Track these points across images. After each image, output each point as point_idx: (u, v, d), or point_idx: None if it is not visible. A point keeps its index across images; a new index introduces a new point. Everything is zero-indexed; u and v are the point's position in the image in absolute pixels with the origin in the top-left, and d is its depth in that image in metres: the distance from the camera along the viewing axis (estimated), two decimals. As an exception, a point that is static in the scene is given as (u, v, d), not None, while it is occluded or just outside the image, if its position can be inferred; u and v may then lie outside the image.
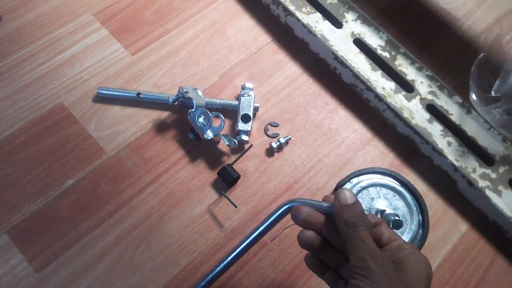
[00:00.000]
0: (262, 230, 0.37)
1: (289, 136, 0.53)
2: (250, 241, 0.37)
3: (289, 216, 0.37)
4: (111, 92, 0.53)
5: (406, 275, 0.31)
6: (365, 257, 0.32)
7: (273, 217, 0.37)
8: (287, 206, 0.37)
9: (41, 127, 0.51)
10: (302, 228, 0.37)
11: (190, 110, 0.50)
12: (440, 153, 0.51)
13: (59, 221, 0.47)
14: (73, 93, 0.54)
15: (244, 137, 0.51)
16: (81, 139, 0.51)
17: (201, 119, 0.50)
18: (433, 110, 0.54)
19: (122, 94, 0.53)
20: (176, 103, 0.51)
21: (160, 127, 0.53)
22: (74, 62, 0.55)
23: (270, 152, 0.53)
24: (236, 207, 0.49)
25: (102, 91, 0.53)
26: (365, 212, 0.35)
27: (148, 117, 0.53)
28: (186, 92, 0.50)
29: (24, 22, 0.57)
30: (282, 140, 0.52)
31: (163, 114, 0.53)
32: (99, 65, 0.55)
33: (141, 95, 0.52)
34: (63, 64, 0.55)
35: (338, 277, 0.37)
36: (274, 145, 0.52)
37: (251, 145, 0.52)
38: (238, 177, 0.50)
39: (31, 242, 0.46)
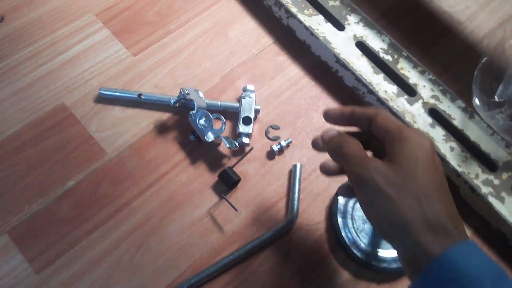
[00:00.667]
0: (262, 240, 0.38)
1: (290, 139, 0.53)
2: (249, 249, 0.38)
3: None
4: (112, 93, 0.53)
5: (405, 172, 0.33)
6: (358, 170, 0.35)
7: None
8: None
9: (43, 128, 0.51)
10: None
11: (191, 112, 0.50)
12: (442, 158, 0.51)
13: (60, 222, 0.47)
14: (75, 93, 0.54)
15: (245, 140, 0.51)
16: (82, 140, 0.51)
17: (202, 121, 0.50)
18: (435, 114, 0.54)
19: (123, 95, 0.53)
20: (177, 105, 0.51)
21: (161, 129, 0.53)
22: (76, 62, 0.55)
23: (271, 155, 0.52)
24: (236, 210, 0.49)
25: (103, 92, 0.52)
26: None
27: (149, 118, 0.53)
28: (188, 93, 0.50)
29: (26, 22, 0.57)
30: (283, 143, 0.52)
31: (164, 116, 0.53)
32: (100, 65, 0.55)
33: (142, 96, 0.52)
34: (64, 64, 0.55)
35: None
36: (275, 148, 0.52)
37: (252, 148, 0.52)
38: (239, 180, 0.50)
39: (31, 243, 0.46)
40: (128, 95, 0.53)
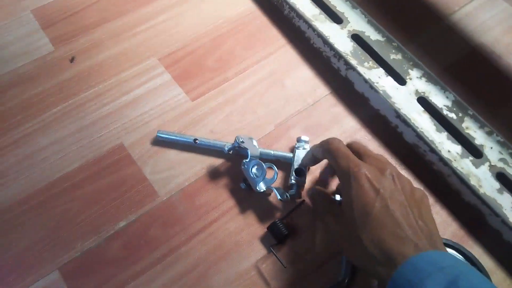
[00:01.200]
0: None
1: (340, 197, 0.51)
2: None
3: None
4: (169, 136, 0.54)
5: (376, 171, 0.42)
6: (348, 167, 0.42)
7: None
8: None
9: (100, 166, 0.53)
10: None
11: (244, 160, 0.49)
12: (511, 227, 0.47)
13: (109, 263, 0.47)
14: (133, 134, 0.55)
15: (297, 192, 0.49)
16: (137, 180, 0.52)
17: (254, 170, 0.50)
18: (504, 179, 0.50)
19: (180, 138, 0.53)
20: (231, 152, 0.51)
21: (214, 174, 0.53)
22: (137, 105, 0.57)
23: (323, 209, 0.51)
24: (285, 267, 0.47)
25: (161, 135, 0.54)
26: None
27: (202, 163, 0.53)
28: (242, 142, 0.50)
29: (94, 63, 0.60)
30: (338, 198, 0.50)
31: (218, 161, 0.53)
32: (159, 108, 0.57)
33: (197, 141, 0.53)
34: (126, 105, 0.57)
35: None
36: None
37: (304, 201, 0.51)
38: (288, 234, 0.48)
39: (80, 282, 0.46)
40: (184, 139, 0.53)
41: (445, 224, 0.50)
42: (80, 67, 0.60)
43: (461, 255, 0.47)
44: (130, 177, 0.52)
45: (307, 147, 0.52)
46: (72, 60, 0.60)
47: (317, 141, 0.54)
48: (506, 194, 0.49)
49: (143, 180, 0.52)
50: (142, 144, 0.54)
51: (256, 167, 0.50)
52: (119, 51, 0.62)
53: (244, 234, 0.49)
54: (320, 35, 0.59)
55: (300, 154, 0.51)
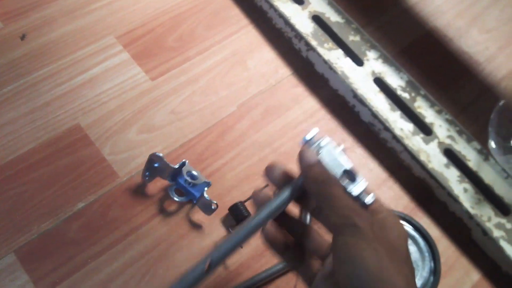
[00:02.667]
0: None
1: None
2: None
3: None
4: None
5: (389, 233, 0.30)
6: (349, 214, 0.29)
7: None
8: None
9: (56, 147, 0.51)
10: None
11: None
12: (455, 199, 0.51)
13: (67, 244, 0.47)
14: (91, 114, 0.54)
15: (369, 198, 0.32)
16: (95, 161, 0.51)
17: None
18: (450, 154, 0.53)
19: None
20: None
21: (174, 156, 0.53)
22: (94, 84, 0.56)
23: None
24: (241, 247, 0.48)
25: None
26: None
27: (163, 143, 0.53)
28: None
29: (47, 41, 0.58)
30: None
31: (177, 143, 0.53)
32: (118, 88, 0.56)
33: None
34: (83, 85, 0.55)
35: (301, 253, 0.35)
36: None
37: (267, 185, 0.51)
38: (248, 216, 0.49)
39: (37, 264, 0.46)
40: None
41: (397, 197, 0.53)
42: (32, 45, 0.57)
43: (411, 225, 0.50)
44: (88, 158, 0.51)
45: (326, 141, 0.34)
46: (23, 37, 0.57)
47: (279, 121, 0.56)
48: (452, 169, 0.52)
49: (102, 161, 0.51)
50: (100, 125, 0.53)
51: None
52: (74, 29, 0.59)
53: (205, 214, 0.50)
54: (281, 16, 0.60)
55: (327, 156, 0.33)
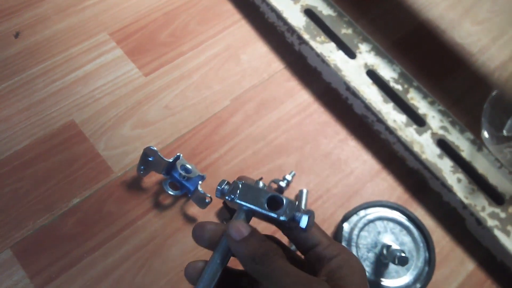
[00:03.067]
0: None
1: (294, 172, 0.52)
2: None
3: None
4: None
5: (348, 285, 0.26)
6: None
7: None
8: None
9: (51, 144, 0.52)
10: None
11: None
12: (449, 189, 0.51)
13: (63, 239, 0.47)
14: (85, 111, 0.54)
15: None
16: (90, 157, 0.51)
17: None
18: (444, 145, 0.54)
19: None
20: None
21: (169, 151, 0.53)
22: (87, 81, 0.56)
23: (279, 190, 0.52)
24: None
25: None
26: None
27: (157, 138, 0.53)
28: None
29: (41, 38, 0.58)
30: (289, 177, 0.51)
31: (172, 137, 0.54)
32: (112, 84, 0.56)
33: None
34: (76, 81, 0.56)
35: None
36: (283, 184, 0.51)
37: (261, 178, 0.52)
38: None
39: (34, 259, 0.46)
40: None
41: (391, 188, 0.53)
42: (26, 43, 0.58)
43: (406, 216, 0.50)
44: (83, 154, 0.52)
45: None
46: (16, 35, 0.58)
47: (273, 114, 0.56)
48: (445, 159, 0.52)
49: (97, 157, 0.52)
50: (95, 121, 0.53)
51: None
52: (67, 26, 0.59)
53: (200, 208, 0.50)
54: (273, 10, 0.60)
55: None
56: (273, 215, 0.29)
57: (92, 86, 0.56)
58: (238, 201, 0.30)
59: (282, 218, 0.29)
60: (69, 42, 0.58)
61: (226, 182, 0.31)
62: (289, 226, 0.30)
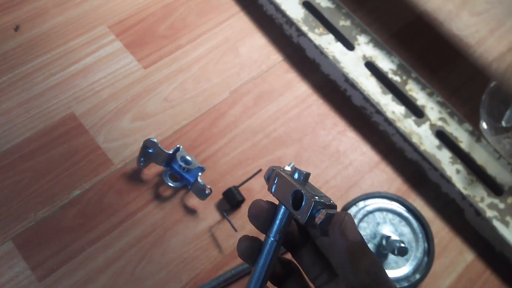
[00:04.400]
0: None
1: (293, 163, 0.52)
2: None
3: None
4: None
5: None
6: None
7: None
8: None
9: (51, 136, 0.52)
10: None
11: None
12: (448, 180, 0.51)
13: (64, 231, 0.47)
14: (84, 103, 0.54)
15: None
16: (90, 150, 0.52)
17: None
18: (442, 136, 0.54)
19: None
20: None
21: (169, 142, 0.53)
22: (87, 74, 0.56)
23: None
24: (236, 231, 0.48)
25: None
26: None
27: (156, 131, 0.53)
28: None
29: (40, 32, 0.58)
30: (288, 169, 0.51)
31: (171, 130, 0.54)
32: (111, 77, 0.56)
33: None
34: (76, 74, 0.56)
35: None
36: None
37: (260, 170, 0.52)
38: (243, 200, 0.50)
39: (35, 251, 0.46)
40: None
41: (390, 180, 0.53)
42: (25, 36, 0.58)
43: (405, 208, 0.50)
44: (83, 147, 0.52)
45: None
46: (16, 28, 0.58)
47: (271, 106, 0.56)
48: (444, 150, 0.53)
49: (97, 149, 0.52)
50: (94, 114, 0.54)
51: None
52: (66, 20, 0.59)
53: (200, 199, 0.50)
54: (272, 2, 0.60)
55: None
56: (295, 214, 0.25)
57: (92, 79, 0.56)
58: (274, 195, 0.27)
59: (300, 219, 0.25)
60: (69, 35, 0.58)
61: (272, 169, 0.28)
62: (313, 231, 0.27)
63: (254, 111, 0.56)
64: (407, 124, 0.53)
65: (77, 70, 0.56)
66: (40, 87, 0.55)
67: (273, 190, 0.27)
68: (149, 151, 0.49)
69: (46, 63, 0.56)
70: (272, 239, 0.27)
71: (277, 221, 0.27)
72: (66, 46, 0.58)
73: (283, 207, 0.27)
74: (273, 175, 0.27)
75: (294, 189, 0.26)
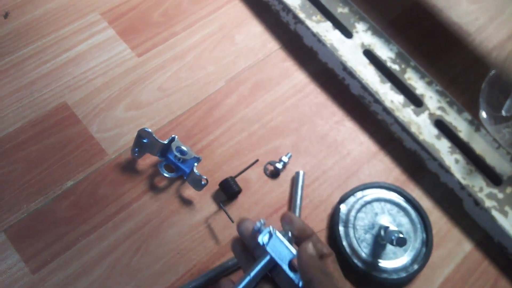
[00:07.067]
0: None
1: (290, 153, 0.52)
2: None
3: None
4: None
5: None
6: None
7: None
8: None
9: (44, 126, 0.51)
10: None
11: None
12: (447, 170, 0.51)
13: (58, 222, 0.47)
14: (77, 92, 0.53)
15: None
16: (83, 140, 0.51)
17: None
18: (441, 126, 0.53)
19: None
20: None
21: (164, 132, 0.52)
22: (79, 62, 0.55)
23: (275, 171, 0.52)
24: (233, 222, 0.48)
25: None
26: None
27: (151, 120, 0.52)
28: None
29: (31, 19, 0.57)
30: (285, 159, 0.51)
31: (165, 120, 0.53)
32: (104, 65, 0.55)
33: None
34: (68, 62, 0.54)
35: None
36: (280, 166, 0.51)
37: (257, 160, 0.51)
38: (239, 191, 0.49)
39: (28, 243, 0.45)
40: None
41: (388, 170, 0.53)
42: (15, 23, 0.56)
43: (403, 198, 0.50)
44: (76, 136, 0.51)
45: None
46: (6, 15, 0.56)
47: (268, 96, 0.55)
48: (443, 140, 0.52)
49: (90, 139, 0.51)
50: (87, 103, 0.53)
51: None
52: (57, 6, 0.58)
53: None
54: (269, -11, 0.59)
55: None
56: (293, 277, 0.34)
57: (84, 67, 0.54)
58: (268, 249, 0.36)
59: (295, 279, 0.34)
60: (60, 22, 0.57)
61: (264, 222, 0.36)
62: None
63: (250, 100, 0.55)
64: (405, 114, 0.53)
65: (69, 58, 0.55)
66: (32, 76, 0.53)
67: (266, 246, 0.36)
68: (143, 141, 0.48)
69: (38, 50, 0.55)
70: (251, 278, 0.35)
71: (261, 267, 0.36)
72: (58, 34, 0.56)
73: (270, 257, 0.35)
74: (265, 232, 0.36)
75: (292, 256, 0.35)
